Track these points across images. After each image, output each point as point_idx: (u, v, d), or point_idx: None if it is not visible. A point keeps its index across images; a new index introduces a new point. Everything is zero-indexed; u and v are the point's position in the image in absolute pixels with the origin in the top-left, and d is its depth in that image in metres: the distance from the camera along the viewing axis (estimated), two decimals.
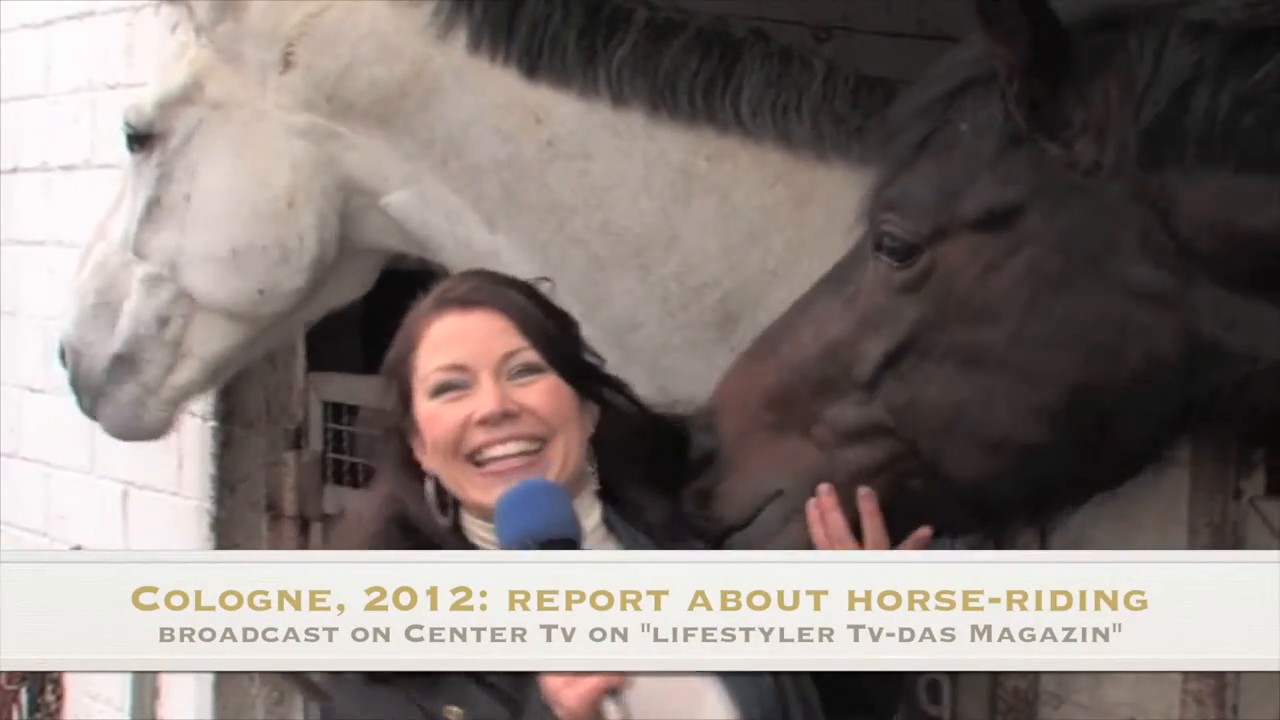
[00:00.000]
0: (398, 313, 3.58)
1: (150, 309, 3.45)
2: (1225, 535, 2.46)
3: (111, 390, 3.55)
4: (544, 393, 2.37)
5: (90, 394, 3.59)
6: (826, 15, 5.58)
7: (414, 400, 2.41)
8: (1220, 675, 2.44)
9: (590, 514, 2.42)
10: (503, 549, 2.21)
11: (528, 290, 2.49)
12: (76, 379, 3.61)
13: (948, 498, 2.32)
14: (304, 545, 4.26)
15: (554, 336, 2.43)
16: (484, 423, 2.33)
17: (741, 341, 3.24)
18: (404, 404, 2.42)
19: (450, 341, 2.39)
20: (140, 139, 3.36)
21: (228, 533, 4.28)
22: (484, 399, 2.34)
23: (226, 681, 4.31)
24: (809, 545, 2.34)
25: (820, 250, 3.29)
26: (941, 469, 2.30)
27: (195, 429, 4.23)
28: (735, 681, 2.25)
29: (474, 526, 2.40)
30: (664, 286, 3.24)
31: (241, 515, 4.28)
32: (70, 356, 3.60)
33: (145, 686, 4.51)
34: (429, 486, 2.40)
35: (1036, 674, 2.68)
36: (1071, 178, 2.22)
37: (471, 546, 2.39)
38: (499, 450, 2.34)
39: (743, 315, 3.27)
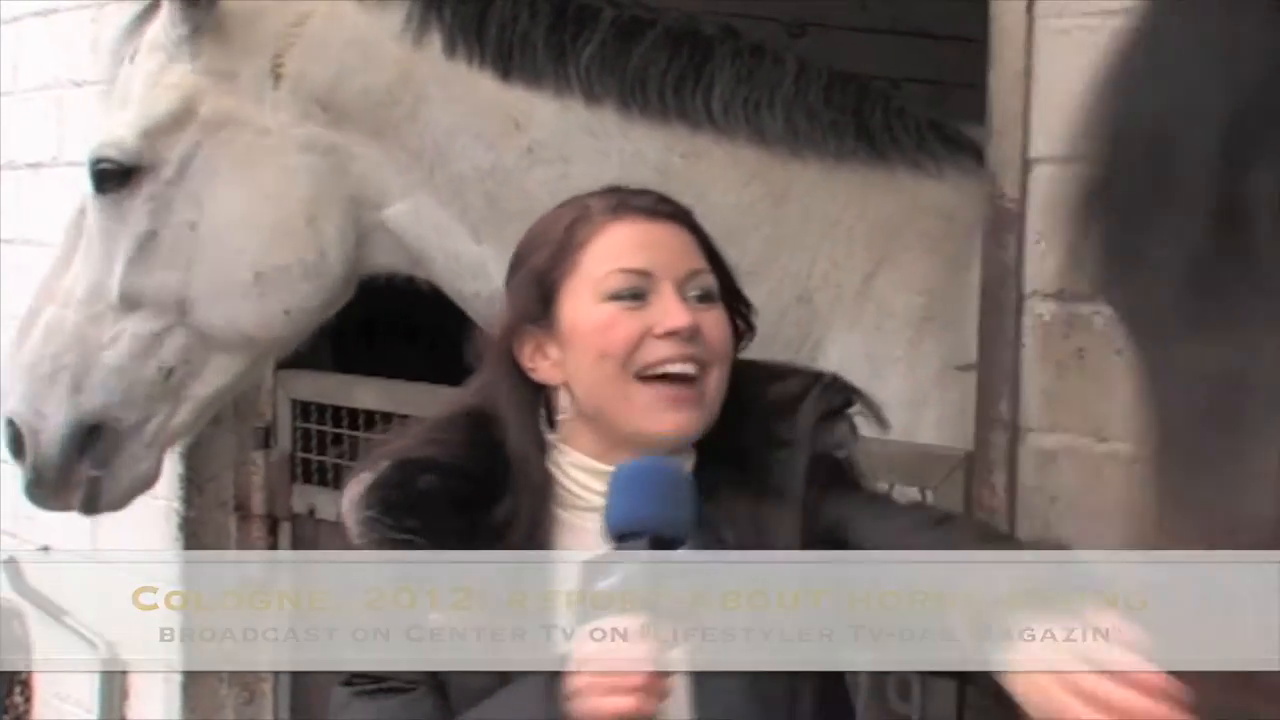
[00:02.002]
0: (364, 311, 3.60)
1: (153, 364, 3.25)
2: None
3: (83, 466, 3.30)
4: (716, 321, 2.27)
5: (54, 474, 3.31)
6: (800, 11, 5.59)
7: (563, 302, 2.25)
8: None
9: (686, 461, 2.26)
10: (605, 524, 2.06)
11: (692, 216, 2.37)
12: (36, 461, 3.31)
13: None
14: (273, 545, 4.24)
15: (724, 266, 2.34)
16: (671, 335, 2.20)
17: None
18: (543, 305, 2.26)
19: (636, 247, 2.25)
20: (120, 175, 3.18)
21: (196, 532, 4.26)
22: (672, 311, 2.21)
23: (195, 682, 4.28)
24: None
25: (797, 248, 3.29)
26: None
27: None
28: (703, 681, 2.16)
29: (571, 465, 2.24)
30: None
31: (210, 515, 4.25)
32: (26, 436, 3.30)
33: (114, 688, 4.48)
34: (560, 397, 2.25)
35: None
36: None
37: (549, 482, 2.24)
38: (677, 368, 2.21)
39: None
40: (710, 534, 2.20)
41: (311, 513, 4.15)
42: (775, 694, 2.17)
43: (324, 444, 4.11)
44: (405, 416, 3.84)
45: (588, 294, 2.25)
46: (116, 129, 3.20)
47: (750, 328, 2.39)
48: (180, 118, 3.19)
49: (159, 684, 4.35)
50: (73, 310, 3.23)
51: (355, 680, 2.24)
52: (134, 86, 3.23)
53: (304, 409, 4.16)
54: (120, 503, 3.44)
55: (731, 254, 3.22)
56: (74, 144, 4.17)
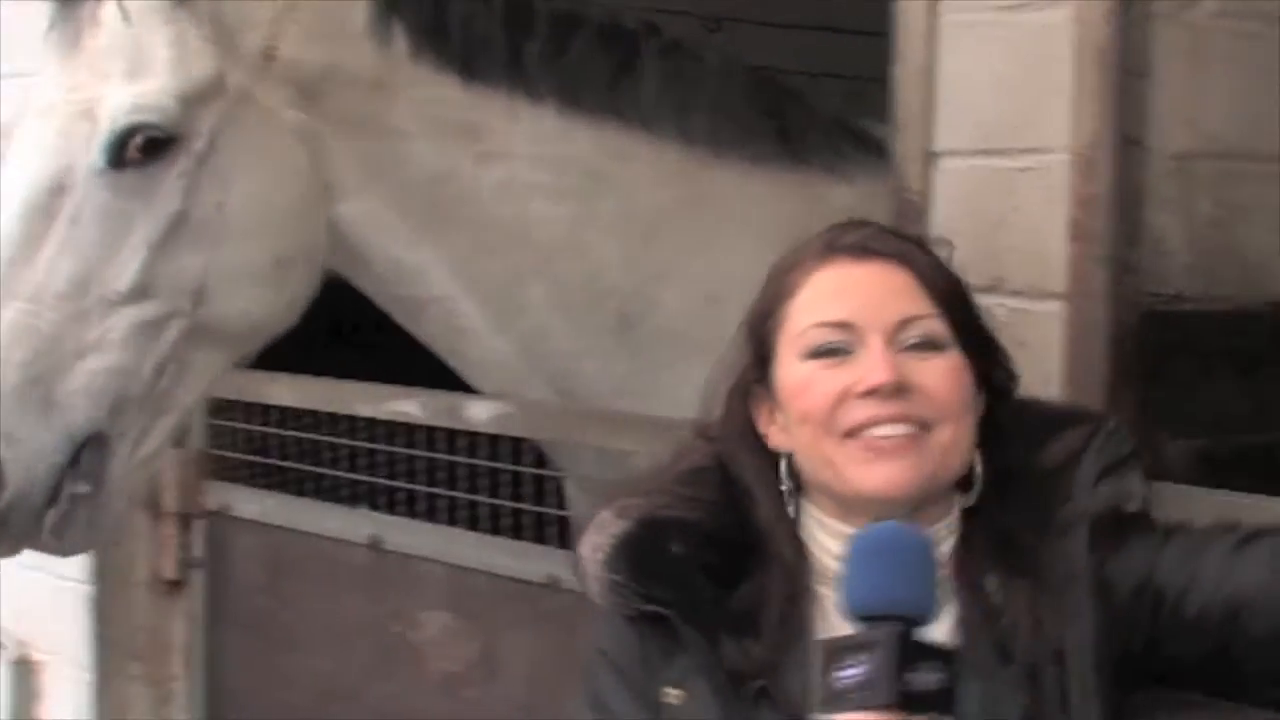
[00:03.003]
0: None
1: (149, 362, 2.86)
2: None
3: (66, 489, 2.81)
4: (942, 372, 1.99)
5: (28, 514, 2.78)
6: (716, 7, 5.61)
7: (777, 360, 2.05)
8: None
9: (942, 526, 2.02)
10: (840, 603, 1.86)
11: (926, 247, 2.12)
12: (10, 497, 2.75)
13: None
14: (186, 543, 4.21)
15: (960, 304, 2.05)
16: (871, 394, 1.96)
17: (638, 345, 3.26)
18: (761, 364, 2.06)
19: (837, 295, 2.02)
20: (151, 148, 2.85)
21: None
22: (873, 367, 1.96)
23: (108, 682, 4.25)
24: None
25: (711, 252, 3.31)
26: None
27: None
28: None
29: (819, 530, 2.03)
30: (572, 294, 3.24)
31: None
32: (2, 469, 2.73)
33: (25, 688, 4.44)
34: (783, 466, 2.04)
35: None
36: None
37: (801, 550, 2.04)
38: (883, 431, 1.95)
39: (639, 319, 3.27)
40: (978, 634, 1.98)
41: (225, 510, 4.12)
42: None
43: (236, 441, 4.09)
44: (316, 414, 3.85)
45: (792, 351, 2.04)
46: (150, 94, 2.84)
47: (1009, 375, 2.13)
48: (214, 85, 2.91)
49: (70, 684, 4.31)
50: (48, 308, 2.78)
51: None
52: (154, 51, 2.89)
53: (215, 407, 4.13)
54: (108, 531, 2.98)
55: (648, 258, 3.28)
56: None
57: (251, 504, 4.05)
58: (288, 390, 3.93)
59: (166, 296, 2.86)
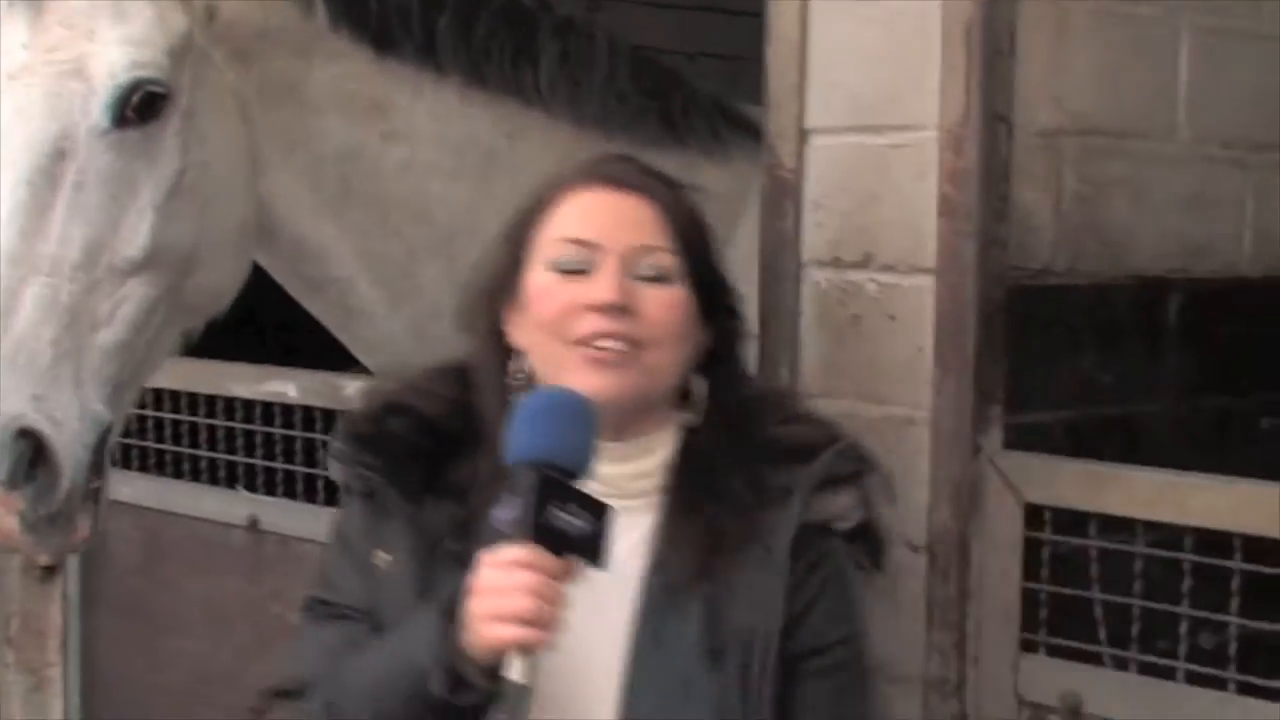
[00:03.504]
0: None
1: (146, 338, 2.73)
2: (965, 491, 2.52)
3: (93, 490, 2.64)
4: (665, 302, 2.20)
5: (74, 501, 2.61)
6: None
7: (528, 266, 2.24)
8: (963, 627, 2.51)
9: (646, 455, 2.23)
10: (507, 459, 2.06)
11: (679, 190, 2.30)
12: (66, 483, 2.57)
13: None
14: None
15: (695, 244, 2.25)
16: (597, 309, 2.16)
17: None
18: (512, 269, 2.26)
19: (587, 215, 2.22)
20: (150, 105, 2.70)
21: None
22: (604, 286, 2.16)
23: None
24: None
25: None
26: None
27: None
28: (642, 694, 2.14)
29: None
30: (465, 274, 3.23)
31: None
32: (56, 455, 2.55)
33: None
34: (514, 364, 2.25)
35: None
36: None
37: None
38: (603, 343, 2.17)
39: None
40: (672, 536, 2.20)
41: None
42: (706, 699, 2.15)
43: None
44: (195, 395, 3.82)
45: (539, 260, 2.24)
46: (143, 49, 2.71)
47: (733, 316, 2.33)
48: (188, 40, 2.79)
49: None
50: (66, 280, 2.62)
51: (312, 605, 2.29)
52: (137, 7, 2.74)
53: None
54: (82, 545, 2.76)
55: None
56: None
57: (126, 487, 3.99)
58: (166, 373, 3.89)
59: (167, 265, 2.74)
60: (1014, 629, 2.51)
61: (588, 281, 2.19)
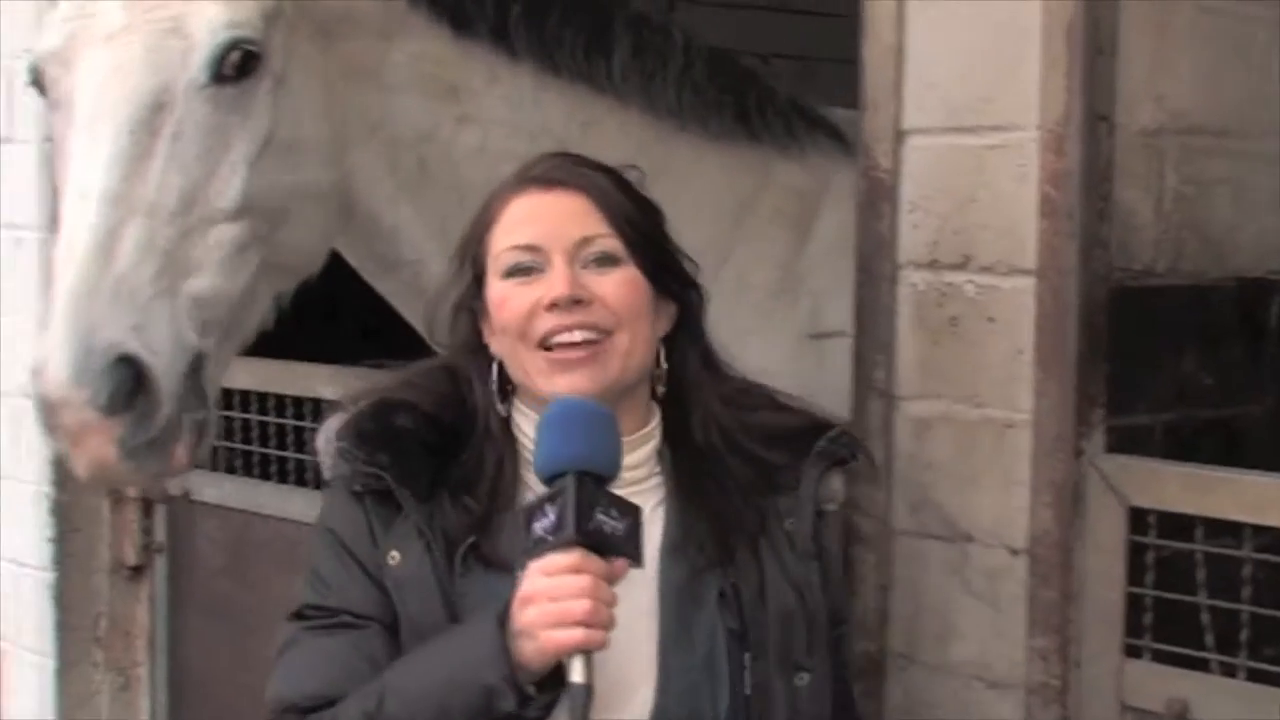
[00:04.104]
0: None
1: (239, 283, 2.81)
2: (1066, 495, 2.50)
3: (191, 421, 2.73)
4: (618, 283, 2.27)
5: (171, 425, 2.68)
6: None
7: (486, 279, 2.32)
8: (1065, 631, 2.49)
9: (642, 445, 2.30)
10: (535, 470, 2.12)
11: (613, 174, 2.37)
12: (165, 408, 2.66)
13: None
14: (148, 528, 4.19)
15: (637, 224, 2.32)
16: (553, 307, 2.23)
17: None
18: (476, 283, 2.34)
19: (526, 221, 2.30)
20: (247, 61, 2.79)
21: (68, 516, 4.20)
22: (554, 283, 2.24)
23: (69, 669, 4.23)
24: None
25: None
26: None
27: (32, 411, 4.12)
28: (672, 682, 2.19)
29: (525, 422, 2.29)
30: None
31: (82, 498, 4.19)
32: (155, 381, 2.64)
33: None
34: (494, 370, 2.32)
35: (885, 636, 2.71)
36: None
37: (509, 430, 2.31)
38: (564, 337, 2.24)
39: None
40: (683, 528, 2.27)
41: (187, 495, 4.10)
42: (740, 680, 2.21)
43: None
44: (282, 397, 3.83)
45: (494, 272, 2.31)
46: (238, 9, 2.80)
47: (686, 284, 2.39)
48: (280, 7, 2.88)
49: (31, 672, 4.28)
50: (163, 223, 2.72)
51: (308, 613, 2.29)
52: None
53: None
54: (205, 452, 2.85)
55: None
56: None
57: (212, 488, 4.03)
58: (247, 374, 3.91)
59: (257, 217, 2.83)
60: (1117, 634, 2.48)
61: (540, 281, 2.26)
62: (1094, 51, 2.51)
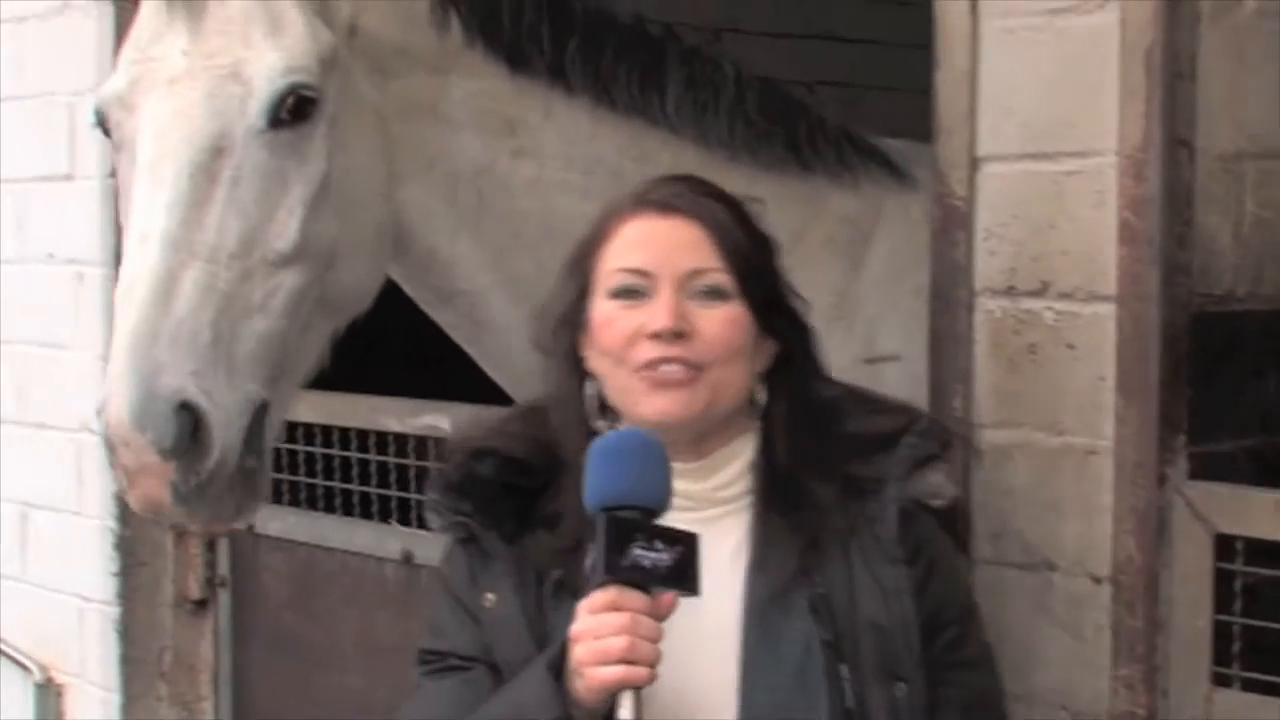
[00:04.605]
0: None
1: (295, 325, 2.84)
2: (1150, 522, 2.48)
3: (244, 468, 2.73)
4: (722, 321, 2.27)
5: (230, 474, 2.70)
6: (715, 17, 5.63)
7: (591, 297, 2.33)
8: (1151, 660, 2.47)
9: (728, 464, 2.31)
10: (585, 504, 2.13)
11: (733, 206, 2.36)
12: (220, 455, 2.67)
13: None
14: (212, 562, 4.19)
15: (749, 259, 2.31)
16: (655, 337, 2.24)
17: None
18: (580, 299, 2.35)
19: (639, 245, 2.30)
20: (304, 106, 2.83)
21: (132, 550, 4.21)
22: (659, 312, 2.24)
23: (134, 703, 4.23)
24: None
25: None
26: None
27: (95, 446, 4.14)
28: (758, 698, 2.19)
29: None
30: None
31: (146, 532, 4.20)
32: (210, 430, 2.66)
33: (50, 712, 4.42)
34: (589, 388, 2.33)
35: None
36: None
37: None
38: (661, 370, 2.25)
39: None
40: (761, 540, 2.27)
41: (250, 528, 4.10)
42: (826, 693, 2.20)
43: None
44: (345, 429, 3.84)
45: (601, 291, 2.32)
46: (295, 56, 2.84)
47: (796, 322, 2.39)
48: (335, 53, 2.92)
49: (96, 706, 4.29)
50: (223, 268, 2.75)
51: (425, 658, 2.35)
52: (290, 15, 2.88)
53: None
54: (259, 503, 2.88)
55: None
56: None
57: (277, 521, 4.03)
58: (310, 406, 3.92)
59: (312, 260, 2.86)
60: (1205, 662, 2.46)
61: (646, 307, 2.27)
62: (1173, 76, 2.50)
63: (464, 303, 3.25)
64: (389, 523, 3.75)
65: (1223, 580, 2.46)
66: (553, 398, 2.39)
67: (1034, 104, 2.64)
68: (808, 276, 3.40)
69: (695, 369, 2.25)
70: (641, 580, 2.06)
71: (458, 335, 3.35)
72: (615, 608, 2.04)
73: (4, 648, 4.54)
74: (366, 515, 3.83)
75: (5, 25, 4.54)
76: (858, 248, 3.49)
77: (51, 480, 4.25)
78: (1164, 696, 2.49)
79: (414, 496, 3.66)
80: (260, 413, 2.76)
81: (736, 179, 3.35)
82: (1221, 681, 2.45)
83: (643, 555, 2.06)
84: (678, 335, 2.24)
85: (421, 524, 3.65)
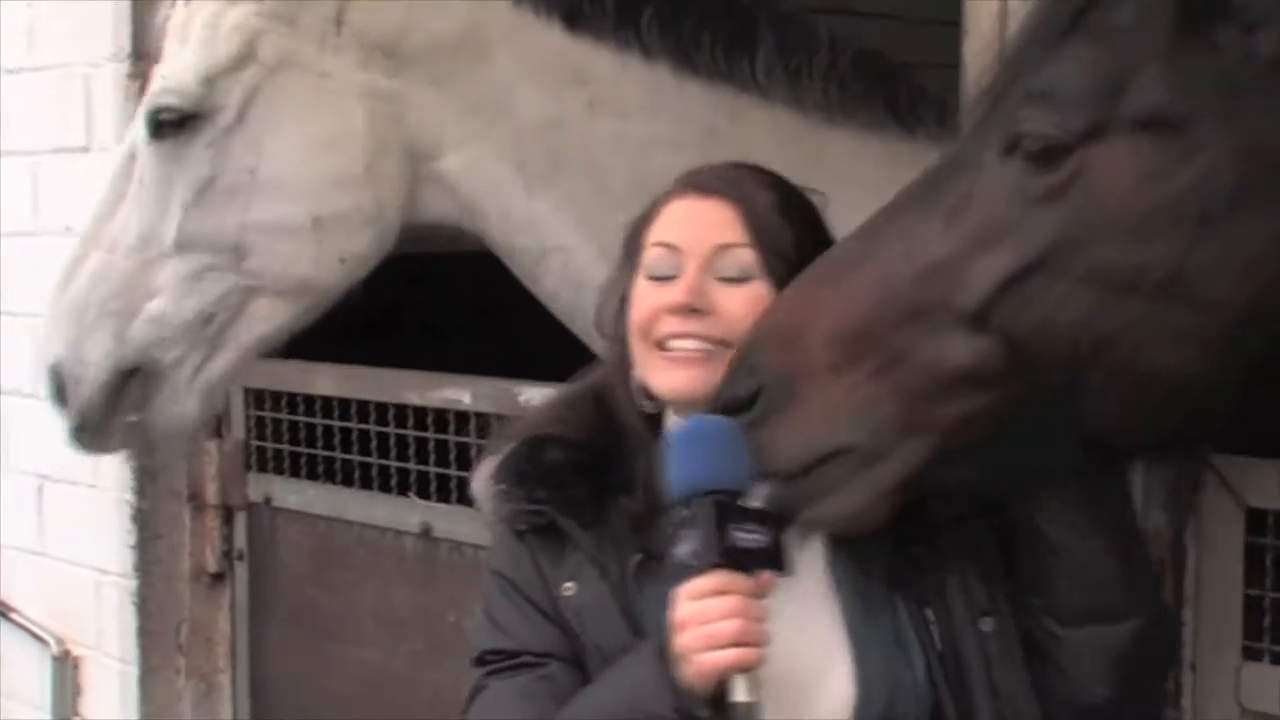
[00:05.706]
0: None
1: (191, 306, 3.18)
2: (1180, 495, 2.47)
3: (125, 410, 3.24)
4: (744, 300, 2.24)
5: (96, 421, 3.27)
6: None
7: (635, 277, 2.34)
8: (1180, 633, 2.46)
9: None
10: (669, 493, 2.10)
11: (780, 191, 2.34)
12: (80, 408, 3.25)
13: (1066, 441, 2.06)
14: (229, 535, 4.19)
15: (780, 240, 2.28)
16: (674, 312, 2.24)
17: None
18: (629, 275, 2.35)
19: (675, 223, 2.31)
20: (179, 122, 3.14)
21: (149, 524, 4.21)
22: (681, 288, 2.25)
23: (151, 675, 4.23)
24: (876, 513, 2.12)
25: (828, 211, 3.31)
26: (1074, 409, 2.02)
27: None
28: (869, 658, 2.18)
29: (670, 423, 2.28)
30: None
31: (163, 505, 4.20)
32: (69, 384, 3.24)
33: (66, 684, 4.42)
34: (636, 370, 2.32)
35: None
36: (1251, 73, 1.94)
37: (650, 424, 2.30)
38: (679, 344, 2.24)
39: None
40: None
41: (268, 501, 4.11)
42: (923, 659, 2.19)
43: (279, 431, 4.07)
44: (364, 402, 3.83)
45: (642, 268, 2.33)
46: (177, 74, 3.14)
47: None
48: (241, 60, 3.13)
49: (113, 679, 4.30)
50: (121, 256, 3.19)
51: (489, 659, 2.28)
52: (193, 29, 3.16)
53: (257, 397, 4.12)
54: (164, 445, 3.48)
55: None
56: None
57: (293, 494, 4.04)
58: (330, 380, 3.92)
59: (204, 251, 3.17)
60: (1235, 636, 2.46)
61: (673, 286, 2.27)
62: None
63: (556, 261, 3.26)
64: (408, 496, 3.74)
65: (1253, 554, 2.45)
66: (606, 379, 2.38)
67: None
68: None
69: (713, 346, 2.24)
70: (743, 563, 2.03)
71: (560, 307, 3.33)
72: (722, 591, 2.01)
73: (21, 620, 4.54)
74: (385, 488, 3.82)
75: None
76: None
77: (68, 453, 4.23)
78: (1193, 670, 2.49)
79: (433, 470, 3.66)
80: (144, 378, 3.20)
81: (839, 140, 3.36)
82: (1251, 655, 2.45)
83: (743, 537, 2.04)
84: (694, 311, 2.24)
85: (443, 497, 3.66)
